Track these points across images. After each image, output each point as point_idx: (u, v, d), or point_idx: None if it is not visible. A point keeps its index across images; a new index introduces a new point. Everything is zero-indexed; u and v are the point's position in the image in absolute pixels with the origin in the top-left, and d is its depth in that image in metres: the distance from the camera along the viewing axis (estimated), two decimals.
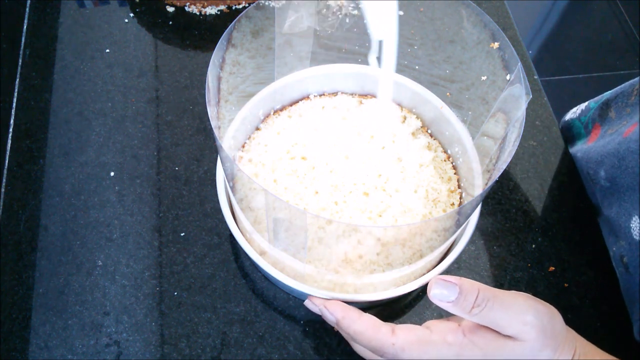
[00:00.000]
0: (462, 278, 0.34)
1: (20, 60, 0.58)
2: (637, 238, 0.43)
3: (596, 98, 0.54)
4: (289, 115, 0.48)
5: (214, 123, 0.36)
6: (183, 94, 0.56)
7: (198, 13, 0.62)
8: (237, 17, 0.40)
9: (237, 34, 0.41)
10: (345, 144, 0.46)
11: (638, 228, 0.43)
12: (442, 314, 0.46)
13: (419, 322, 0.45)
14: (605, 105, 0.51)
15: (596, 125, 0.52)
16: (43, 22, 0.61)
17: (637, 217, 0.43)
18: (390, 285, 0.40)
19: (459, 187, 0.45)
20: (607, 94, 0.52)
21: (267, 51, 0.45)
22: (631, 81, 0.49)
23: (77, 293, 0.45)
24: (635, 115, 0.46)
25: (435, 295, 0.34)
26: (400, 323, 0.45)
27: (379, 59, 0.45)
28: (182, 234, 0.48)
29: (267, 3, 0.43)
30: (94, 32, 0.60)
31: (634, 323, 0.44)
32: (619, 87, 0.51)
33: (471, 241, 0.48)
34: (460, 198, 0.45)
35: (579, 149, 0.53)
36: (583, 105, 0.56)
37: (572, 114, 0.58)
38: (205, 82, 0.37)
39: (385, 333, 0.35)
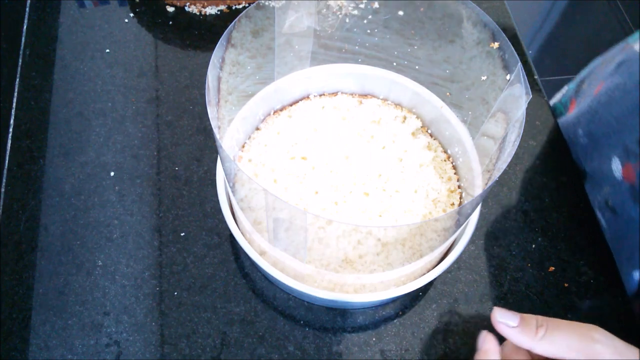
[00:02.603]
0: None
1: (20, 60, 0.58)
2: (619, 176, 0.45)
3: (573, 80, 0.59)
4: (289, 115, 0.48)
5: (214, 123, 0.36)
6: (183, 94, 0.56)
7: (198, 13, 0.62)
8: (237, 17, 0.40)
9: (237, 34, 0.41)
10: (345, 144, 0.46)
11: (619, 168, 0.45)
12: (442, 314, 0.46)
13: (419, 322, 0.45)
14: (581, 82, 0.56)
15: (572, 101, 0.57)
16: (43, 22, 0.61)
17: (615, 157, 0.46)
18: (390, 285, 0.40)
19: (459, 187, 0.45)
20: (582, 73, 0.57)
21: (267, 51, 0.45)
22: (601, 57, 0.54)
23: (77, 293, 0.45)
24: (601, 77, 0.50)
25: (499, 319, 0.33)
26: (400, 323, 0.45)
27: None
28: (182, 234, 0.48)
29: (267, 3, 0.43)
30: (94, 32, 0.60)
31: (624, 276, 0.46)
32: (591, 64, 0.56)
33: (471, 241, 0.48)
34: (460, 198, 0.45)
35: (562, 122, 0.57)
36: (564, 89, 0.60)
37: (554, 99, 0.62)
38: (205, 82, 0.37)
39: None
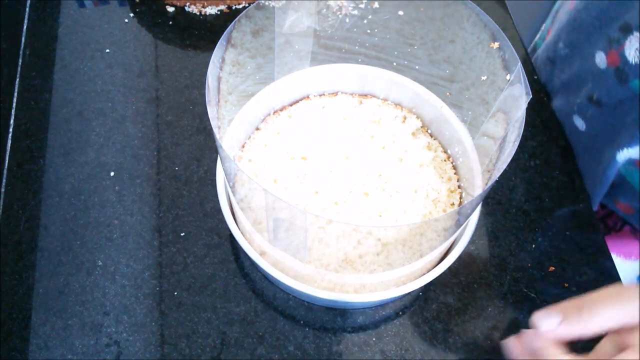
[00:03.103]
0: None
1: (20, 60, 0.58)
2: (604, 65, 0.49)
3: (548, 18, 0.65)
4: (289, 115, 0.48)
5: (214, 123, 0.36)
6: (183, 94, 0.56)
7: (198, 13, 0.62)
8: (237, 17, 0.40)
9: (237, 34, 0.41)
10: (345, 144, 0.46)
11: (603, 59, 0.49)
12: (442, 315, 0.45)
13: (420, 322, 0.45)
14: (555, 13, 0.62)
15: (549, 30, 0.62)
16: (43, 22, 0.61)
17: (599, 51, 0.49)
18: (390, 285, 0.40)
19: (459, 187, 0.45)
20: (555, 7, 0.63)
21: (267, 51, 0.45)
22: None
23: (77, 293, 0.45)
24: None
25: (546, 323, 0.31)
26: (400, 323, 0.45)
27: None
28: (182, 234, 0.48)
29: (267, 3, 0.43)
30: (93, 32, 0.60)
31: (604, 164, 0.51)
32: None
33: (471, 241, 0.48)
34: (460, 198, 0.45)
35: (540, 50, 0.63)
36: (541, 30, 0.67)
37: (533, 41, 0.70)
38: (205, 82, 0.37)
39: None
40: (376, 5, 0.47)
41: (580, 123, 0.54)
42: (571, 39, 0.55)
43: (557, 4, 0.62)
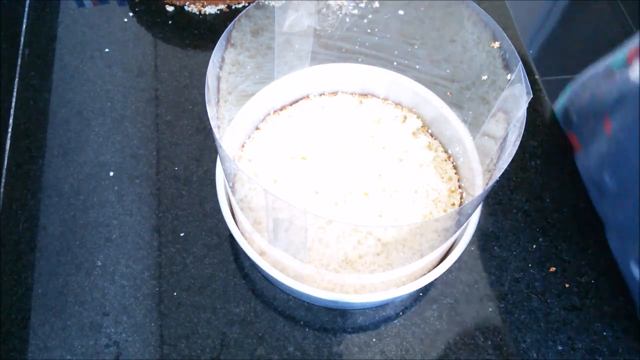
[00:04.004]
0: None
1: (19, 60, 0.58)
2: None
3: (558, 102, 0.56)
4: (289, 115, 0.48)
5: (213, 123, 0.36)
6: (182, 94, 0.56)
7: (198, 12, 0.62)
8: (237, 17, 0.40)
9: (237, 33, 0.41)
10: (345, 143, 0.46)
11: None
12: (443, 315, 0.45)
13: (420, 322, 0.45)
14: (566, 112, 0.53)
15: (569, 133, 0.53)
16: (42, 21, 0.61)
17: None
18: (390, 286, 0.40)
19: (460, 187, 0.45)
20: (562, 101, 0.54)
21: (267, 50, 0.45)
22: (579, 82, 0.52)
23: (77, 293, 0.45)
24: (601, 108, 0.47)
25: None
26: (401, 323, 0.45)
27: None
28: (182, 234, 0.48)
29: (267, 2, 0.43)
30: (93, 32, 0.60)
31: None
32: (570, 90, 0.53)
33: (472, 241, 0.48)
34: (461, 198, 0.45)
35: (579, 162, 0.53)
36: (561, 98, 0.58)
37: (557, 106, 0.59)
38: (204, 81, 0.37)
39: None
40: (376, 4, 0.47)
41: (637, 272, 0.45)
42: (620, 175, 0.45)
43: (562, 101, 0.53)
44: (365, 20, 0.48)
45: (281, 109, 0.49)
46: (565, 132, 0.55)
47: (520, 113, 0.37)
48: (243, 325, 0.44)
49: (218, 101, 0.41)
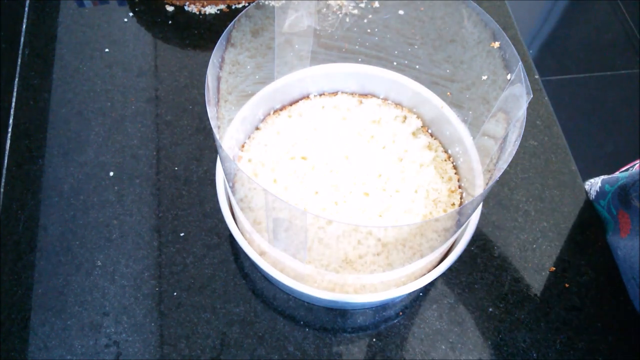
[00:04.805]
0: None
1: (19, 60, 0.58)
2: None
3: (608, 178, 0.51)
4: (289, 115, 0.48)
5: (213, 123, 0.36)
6: (182, 94, 0.56)
7: (197, 12, 0.62)
8: (237, 17, 0.40)
9: (237, 33, 0.41)
10: (345, 144, 0.46)
11: None
12: (443, 315, 0.45)
13: (420, 322, 0.45)
14: (623, 192, 0.48)
15: (622, 213, 0.49)
16: (42, 21, 0.61)
17: None
18: (390, 286, 0.40)
19: (460, 187, 0.45)
20: (622, 179, 0.48)
21: (267, 50, 0.45)
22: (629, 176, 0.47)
23: (77, 293, 0.45)
24: None
25: None
26: (401, 323, 0.45)
27: None
28: (182, 234, 0.48)
29: (267, 2, 0.43)
30: (93, 32, 0.60)
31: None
32: (633, 172, 0.47)
33: (472, 241, 0.48)
34: (461, 198, 0.45)
35: (615, 242, 0.50)
36: (597, 185, 0.52)
37: (589, 193, 0.54)
38: (204, 81, 0.37)
39: None
40: (376, 4, 0.47)
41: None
42: None
43: (622, 179, 0.48)
44: (365, 20, 0.48)
45: (281, 109, 0.49)
46: (608, 209, 0.51)
47: (520, 113, 0.37)
48: (243, 325, 0.44)
49: (218, 101, 0.41)
